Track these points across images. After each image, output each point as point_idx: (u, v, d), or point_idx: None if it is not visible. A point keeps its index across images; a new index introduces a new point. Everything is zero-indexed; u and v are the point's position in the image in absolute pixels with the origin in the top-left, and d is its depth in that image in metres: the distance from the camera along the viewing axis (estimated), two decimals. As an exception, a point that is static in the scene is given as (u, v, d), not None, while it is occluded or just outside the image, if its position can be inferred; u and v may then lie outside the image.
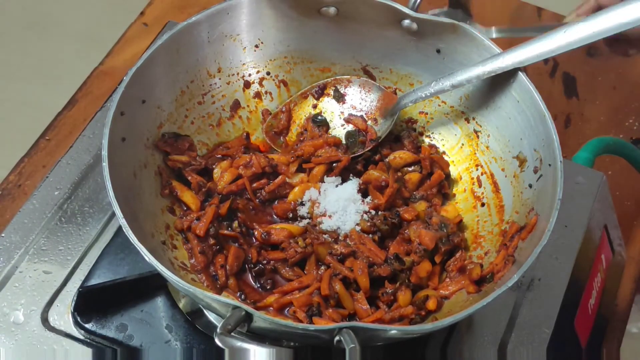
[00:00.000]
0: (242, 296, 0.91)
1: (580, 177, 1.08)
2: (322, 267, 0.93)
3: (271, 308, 0.89)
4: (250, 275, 0.94)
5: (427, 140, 1.05)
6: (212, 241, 0.93)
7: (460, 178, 1.02)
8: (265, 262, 0.94)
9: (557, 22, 1.34)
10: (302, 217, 0.98)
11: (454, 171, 1.03)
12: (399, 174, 1.02)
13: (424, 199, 1.00)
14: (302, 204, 0.98)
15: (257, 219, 0.97)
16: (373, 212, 0.97)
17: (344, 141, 1.04)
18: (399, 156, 1.02)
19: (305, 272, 0.93)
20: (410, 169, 1.02)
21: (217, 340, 0.71)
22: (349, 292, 0.90)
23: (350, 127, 1.05)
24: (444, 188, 1.01)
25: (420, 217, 0.97)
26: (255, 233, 0.95)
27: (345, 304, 0.90)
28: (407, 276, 0.92)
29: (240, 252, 0.93)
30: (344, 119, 1.06)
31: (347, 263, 0.92)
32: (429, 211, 0.98)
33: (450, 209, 1.00)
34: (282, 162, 1.01)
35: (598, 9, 1.04)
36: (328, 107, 1.06)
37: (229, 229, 0.95)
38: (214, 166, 0.99)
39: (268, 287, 0.92)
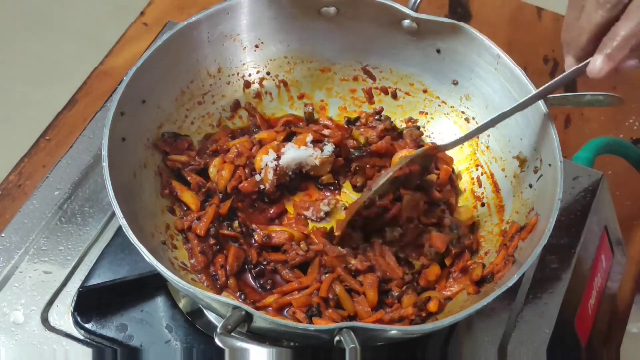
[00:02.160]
0: (242, 296, 0.91)
1: (580, 177, 1.08)
2: (325, 272, 0.92)
3: (270, 308, 0.89)
4: (250, 275, 0.94)
5: (427, 140, 1.05)
6: (212, 241, 0.93)
7: (460, 178, 1.02)
8: (265, 262, 0.94)
9: (557, 22, 1.34)
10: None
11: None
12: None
13: (442, 201, 0.99)
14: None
15: (257, 219, 0.97)
16: None
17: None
18: (404, 156, 1.01)
19: (307, 274, 0.93)
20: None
21: (217, 340, 0.71)
22: (350, 294, 0.90)
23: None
24: (453, 182, 1.01)
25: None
26: (256, 236, 0.95)
27: (345, 306, 0.90)
28: (416, 279, 0.92)
29: (240, 252, 0.93)
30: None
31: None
32: (442, 214, 0.97)
33: (463, 211, 0.99)
34: (266, 139, 1.00)
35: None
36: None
37: (229, 229, 0.95)
38: (207, 164, 0.99)
39: (268, 288, 0.92)
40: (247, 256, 0.94)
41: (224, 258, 0.92)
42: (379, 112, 1.06)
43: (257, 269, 0.93)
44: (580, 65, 0.85)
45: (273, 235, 0.94)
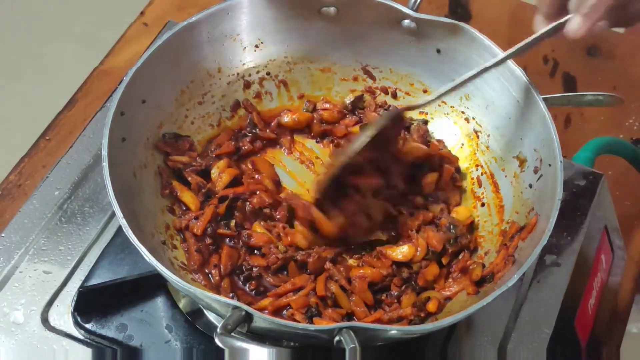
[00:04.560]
0: (234, 298, 0.91)
1: (580, 177, 1.08)
2: (308, 273, 0.92)
3: (266, 311, 0.89)
4: (239, 279, 0.93)
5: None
6: (209, 240, 0.93)
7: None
8: (249, 268, 0.93)
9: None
10: None
11: (453, 171, 1.03)
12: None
13: (443, 200, 0.99)
14: None
15: (255, 219, 0.97)
16: None
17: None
18: (408, 149, 1.00)
19: (289, 276, 0.93)
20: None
21: (217, 340, 0.71)
22: (345, 293, 0.90)
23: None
24: (457, 181, 1.01)
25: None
26: (241, 234, 0.95)
27: (341, 303, 0.89)
28: (414, 279, 0.92)
29: (234, 252, 0.93)
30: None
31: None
32: (440, 213, 0.97)
33: (462, 210, 0.99)
34: (265, 138, 1.03)
35: None
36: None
37: (226, 228, 0.95)
38: (210, 166, 0.99)
39: (262, 290, 0.92)
40: (239, 257, 0.94)
41: (218, 258, 0.92)
42: (382, 105, 1.06)
43: (245, 275, 0.93)
44: (554, 24, 0.85)
45: (253, 235, 0.94)
